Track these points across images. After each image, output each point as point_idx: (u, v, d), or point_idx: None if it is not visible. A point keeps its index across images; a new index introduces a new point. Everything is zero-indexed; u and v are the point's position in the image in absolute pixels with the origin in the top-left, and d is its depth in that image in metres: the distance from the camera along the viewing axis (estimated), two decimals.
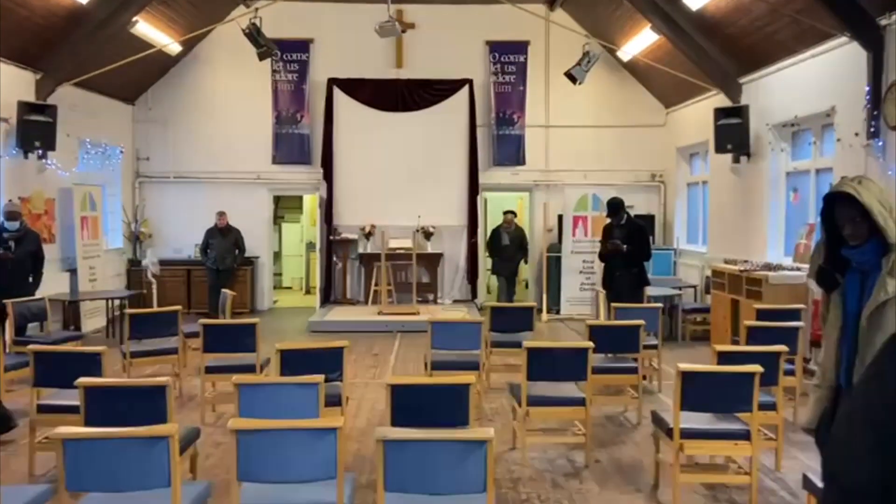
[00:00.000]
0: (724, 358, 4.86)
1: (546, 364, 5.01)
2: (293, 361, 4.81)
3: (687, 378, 4.28)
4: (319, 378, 3.89)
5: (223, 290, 8.22)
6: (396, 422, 3.89)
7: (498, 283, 12.29)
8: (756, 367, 4.28)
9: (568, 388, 5.20)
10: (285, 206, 16.35)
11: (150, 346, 6.83)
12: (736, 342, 7.23)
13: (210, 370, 5.99)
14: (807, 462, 5.15)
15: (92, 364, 4.53)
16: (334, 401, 4.95)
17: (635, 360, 6.25)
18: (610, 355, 6.29)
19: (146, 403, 3.82)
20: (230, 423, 3.07)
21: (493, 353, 7.19)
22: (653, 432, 4.77)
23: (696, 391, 4.28)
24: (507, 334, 7.22)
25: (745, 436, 4.35)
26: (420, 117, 12.65)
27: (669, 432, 4.38)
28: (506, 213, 12.19)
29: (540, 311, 11.75)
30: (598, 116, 12.84)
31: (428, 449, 2.91)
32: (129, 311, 6.84)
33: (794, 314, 6.99)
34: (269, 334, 10.47)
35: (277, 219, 16.41)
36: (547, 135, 12.90)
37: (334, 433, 3.08)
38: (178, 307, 6.83)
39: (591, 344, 4.99)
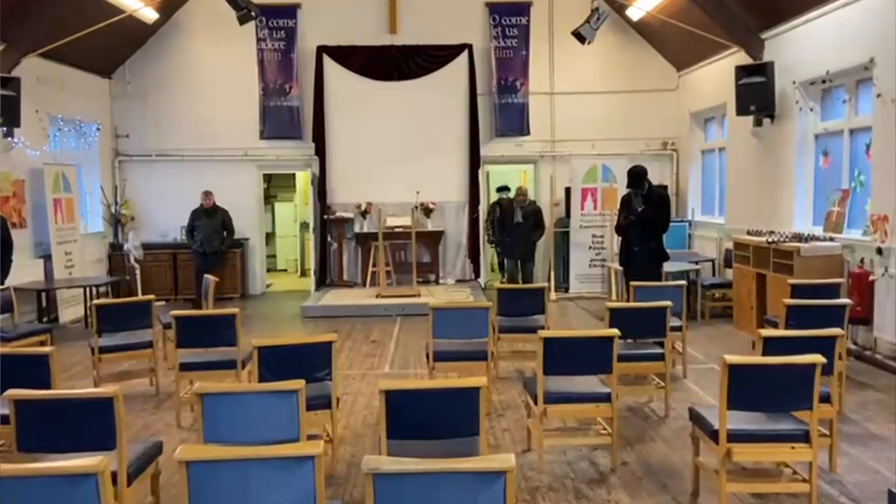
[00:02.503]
0: (771, 345, 4.19)
1: (565, 355, 4.34)
2: (273, 360, 4.15)
3: (735, 372, 3.61)
4: (298, 384, 3.23)
5: (206, 275, 7.55)
6: (392, 434, 3.24)
7: (507, 268, 10.45)
8: (817, 358, 3.61)
9: (590, 382, 4.54)
10: (277, 185, 15.63)
11: (124, 340, 6.18)
12: (769, 322, 6.55)
13: (185, 367, 5.34)
14: (864, 460, 4.51)
15: (36, 368, 3.87)
16: (323, 403, 4.31)
17: (661, 345, 5.59)
18: (631, 341, 5.62)
19: (90, 421, 3.16)
20: (177, 453, 2.41)
21: (500, 340, 6.54)
22: (691, 432, 4.12)
23: (745, 387, 3.62)
24: (517, 318, 6.58)
25: (804, 437, 3.70)
26: (416, 86, 11.89)
27: (713, 435, 3.73)
28: (519, 187, 10.69)
29: (548, 289, 11.08)
30: (605, 82, 12.07)
31: (430, 483, 2.25)
32: (97, 301, 6.17)
33: (832, 290, 6.33)
34: (261, 321, 9.88)
35: (270, 198, 15.72)
36: (552, 102, 12.14)
37: (311, 462, 2.42)
38: (152, 296, 6.17)
39: (616, 332, 4.32)
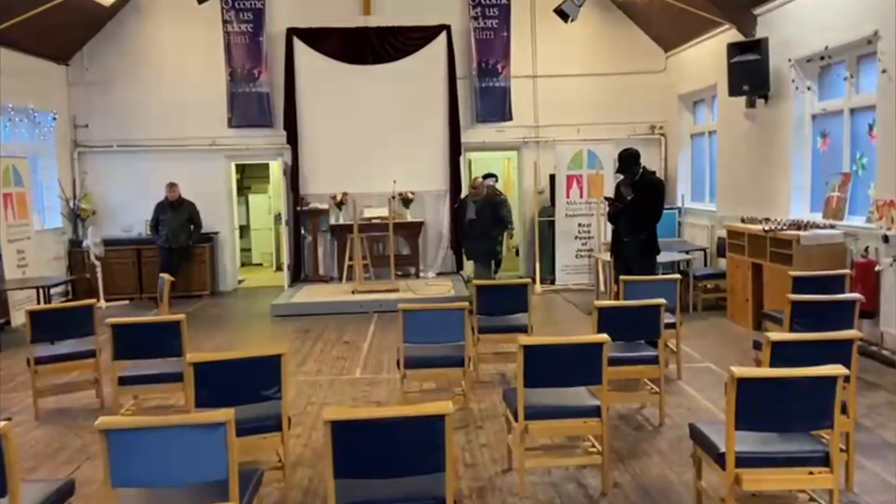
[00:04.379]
0: (781, 350, 3.70)
1: (549, 365, 3.82)
2: (212, 379, 3.60)
3: (745, 388, 3.11)
4: (226, 415, 2.68)
5: (161, 274, 6.96)
6: (341, 472, 2.71)
7: (474, 269, 9.27)
8: (839, 369, 3.11)
9: (577, 394, 4.02)
10: (251, 176, 15.00)
11: (66, 349, 5.62)
12: (769, 317, 6.08)
13: (126, 381, 4.79)
14: (883, 475, 4.03)
15: None
16: (272, 425, 3.76)
17: (654, 345, 5.09)
18: (622, 342, 5.11)
19: None
20: None
21: (480, 341, 6.03)
22: (692, 452, 3.61)
23: (757, 404, 3.12)
24: (498, 318, 6.06)
25: (823, 460, 3.20)
26: (393, 70, 11.30)
27: (719, 458, 3.23)
28: (477, 178, 9.52)
29: (533, 281, 10.58)
30: (590, 64, 11.53)
31: None
32: (29, 307, 5.58)
33: (837, 282, 5.85)
34: (228, 322, 9.31)
35: (244, 189, 15.11)
36: (535, 86, 11.58)
37: None
38: (93, 301, 5.60)
39: (606, 338, 3.80)
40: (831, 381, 3.10)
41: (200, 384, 3.60)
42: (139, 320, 4.82)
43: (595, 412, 3.88)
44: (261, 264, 14.83)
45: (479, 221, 8.81)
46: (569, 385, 3.96)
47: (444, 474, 2.75)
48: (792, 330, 4.87)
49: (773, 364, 3.72)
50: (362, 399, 5.71)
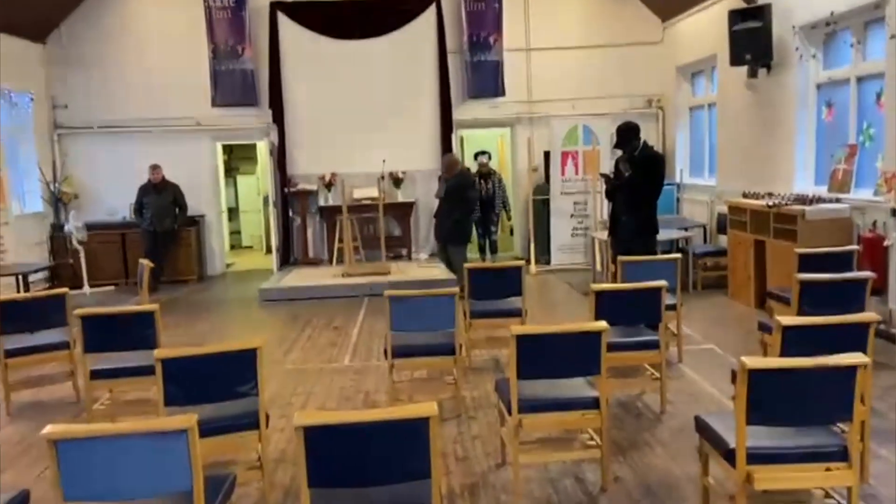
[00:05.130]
0: (793, 336, 3.45)
1: (543, 355, 3.56)
2: (182, 376, 3.34)
3: (757, 380, 2.85)
4: (188, 422, 2.42)
5: (140, 260, 6.67)
6: (315, 481, 2.45)
7: (448, 252, 8.53)
8: (860, 358, 2.86)
9: (574, 385, 3.77)
10: (239, 157, 14.67)
11: (39, 340, 5.35)
12: (774, 297, 5.82)
13: (98, 375, 4.52)
14: None
15: None
16: (249, 423, 3.51)
17: (655, 329, 4.84)
18: (621, 327, 4.86)
19: None
20: None
21: (473, 326, 5.77)
22: (698, 446, 3.37)
23: (769, 397, 2.87)
24: (491, 302, 5.81)
25: (841, 455, 2.96)
26: (381, 45, 10.94)
27: (729, 455, 2.98)
28: (449, 155, 8.97)
29: (528, 262, 10.33)
30: (585, 36, 11.17)
31: None
32: None
33: (845, 259, 5.60)
34: (216, 307, 9.03)
35: (232, 170, 14.80)
36: (528, 59, 11.23)
37: None
38: (65, 289, 5.28)
39: (604, 325, 3.54)
40: (851, 370, 2.85)
41: (170, 381, 3.33)
42: (110, 311, 4.55)
43: (594, 404, 3.63)
44: (251, 247, 14.56)
45: (447, 201, 8.29)
46: (565, 376, 3.71)
47: (429, 481, 2.50)
48: (800, 311, 4.62)
49: (784, 350, 3.48)
50: (350, 389, 5.46)
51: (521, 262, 5.83)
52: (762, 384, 2.86)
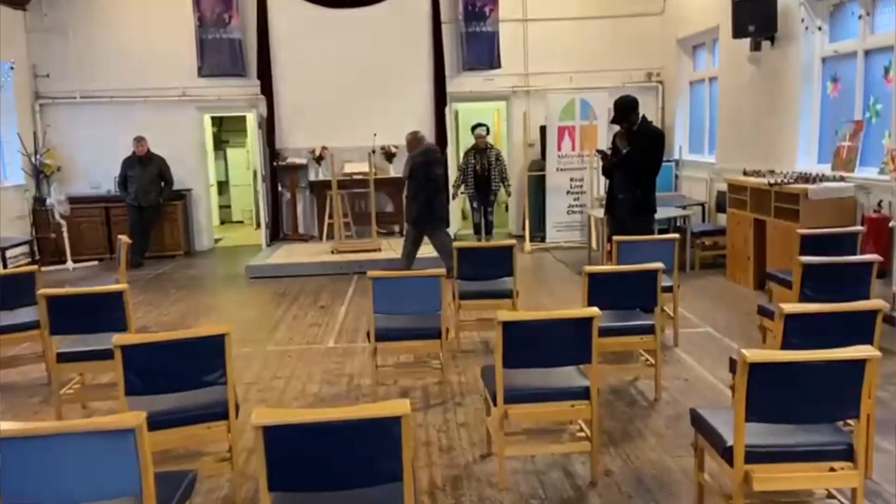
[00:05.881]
0: (796, 324, 3.24)
1: (531, 343, 3.36)
2: (145, 363, 3.13)
3: (758, 374, 2.64)
4: (136, 419, 2.21)
5: (119, 236, 6.43)
6: (276, 484, 2.25)
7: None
8: (870, 352, 2.65)
9: (564, 374, 3.56)
10: (229, 129, 14.34)
11: (8, 320, 5.13)
12: (774, 278, 5.61)
13: (65, 358, 4.30)
14: None
15: None
16: (216, 413, 3.31)
17: (650, 312, 4.64)
18: (615, 311, 4.65)
19: None
20: None
21: (462, 307, 5.57)
22: (693, 441, 3.18)
23: (771, 393, 2.67)
24: (481, 283, 5.59)
25: (846, 454, 2.77)
26: (373, 14, 10.60)
27: (726, 452, 2.79)
28: (415, 132, 8.13)
29: (522, 239, 10.11)
30: (583, 6, 10.83)
31: None
32: None
33: (849, 240, 5.40)
34: (201, 283, 8.79)
35: (222, 143, 14.49)
36: (525, 30, 10.89)
37: None
38: (34, 267, 5.07)
39: (596, 312, 3.33)
40: (859, 364, 2.64)
41: (131, 369, 3.12)
42: (76, 291, 4.32)
43: (584, 394, 3.44)
44: (241, 222, 14.30)
45: (413, 181, 7.66)
46: (554, 365, 3.50)
47: (401, 484, 2.30)
48: (802, 296, 4.42)
49: (786, 339, 3.28)
50: (334, 372, 5.26)
51: (512, 242, 5.59)
52: (763, 379, 2.65)
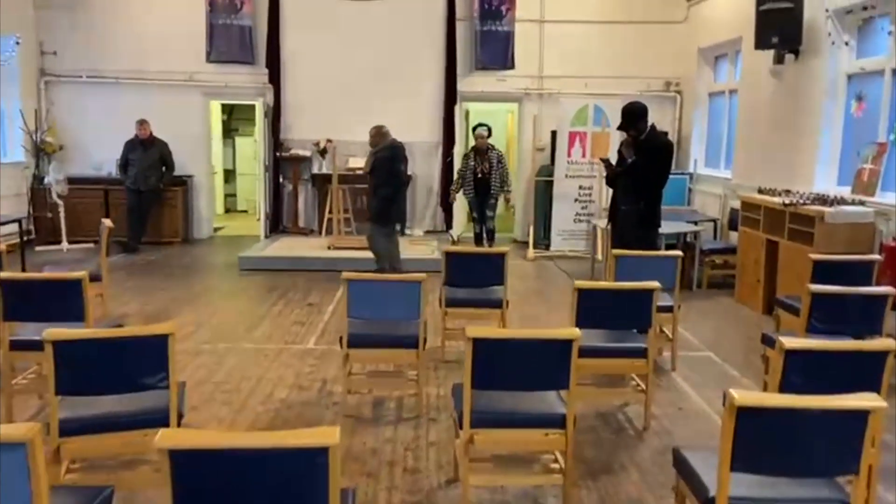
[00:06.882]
0: (797, 362, 2.93)
1: (505, 363, 3.07)
2: (78, 361, 2.87)
3: (747, 419, 2.34)
4: (29, 430, 1.94)
5: (103, 219, 6.21)
6: None
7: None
8: (875, 401, 2.34)
9: (540, 399, 3.27)
10: (239, 118, 14.15)
11: None
12: (783, 305, 5.27)
13: (19, 346, 4.07)
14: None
15: None
16: (156, 420, 3.04)
17: (644, 332, 4.32)
18: (605, 331, 4.35)
19: None
20: None
21: (448, 315, 5.29)
22: (675, 485, 2.87)
23: (761, 442, 2.36)
24: (470, 290, 5.31)
25: None
26: (386, 7, 10.34)
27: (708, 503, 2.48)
28: (380, 126, 7.69)
29: (526, 245, 9.82)
30: (603, 10, 10.51)
31: None
32: None
33: (864, 268, 5.06)
34: (191, 272, 8.55)
35: (231, 132, 14.31)
36: (541, 32, 10.59)
37: None
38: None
39: (577, 333, 3.03)
40: (862, 415, 2.33)
41: (63, 366, 2.87)
42: (32, 276, 4.11)
43: (559, 422, 3.14)
44: (245, 211, 14.10)
45: (374, 176, 7.41)
46: (529, 388, 3.21)
47: None
48: (809, 327, 4.11)
49: (785, 377, 2.98)
50: (307, 376, 5.00)
51: (505, 249, 5.30)
52: (753, 425, 2.35)
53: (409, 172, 10.14)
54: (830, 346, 3.00)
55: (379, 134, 7.51)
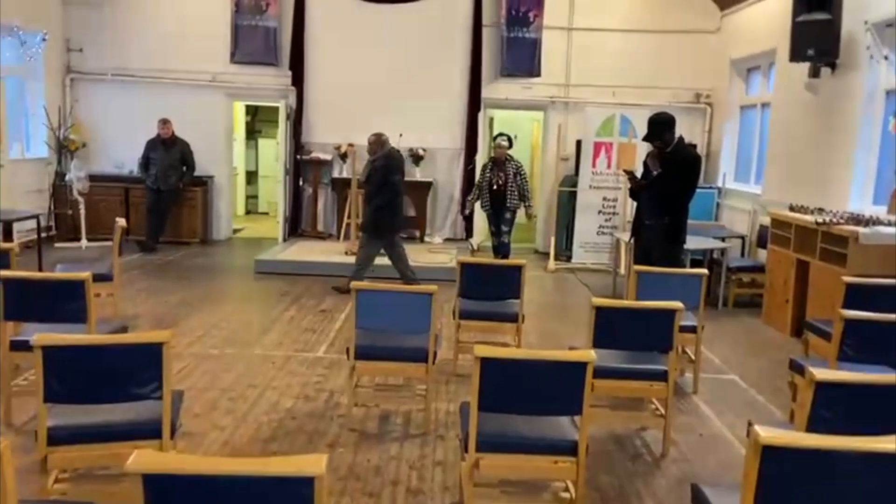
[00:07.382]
0: (827, 394, 2.73)
1: (515, 385, 2.90)
2: (68, 368, 2.76)
3: (773, 459, 2.14)
4: None
5: (117, 219, 6.15)
6: None
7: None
8: None
9: (552, 424, 3.09)
10: (262, 119, 14.13)
11: None
12: (812, 328, 5.02)
13: (17, 347, 3.98)
14: None
15: None
16: (149, 431, 2.92)
17: (665, 352, 4.12)
18: (624, 352, 4.16)
19: None
20: None
21: (462, 328, 5.13)
22: None
23: (786, 482, 2.16)
24: (485, 303, 5.14)
25: None
26: (413, 11, 10.24)
27: None
28: (380, 134, 7.58)
29: (547, 256, 9.62)
30: (633, 18, 10.30)
31: None
32: None
33: None
34: (207, 274, 8.45)
35: (254, 133, 14.31)
36: (569, 40, 10.40)
37: None
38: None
39: (591, 356, 2.85)
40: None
41: (52, 374, 2.76)
42: (35, 276, 4.01)
43: (570, 450, 2.96)
44: (267, 213, 14.05)
45: (369, 185, 7.29)
46: (539, 413, 3.04)
47: None
48: (841, 354, 3.87)
49: (815, 410, 2.77)
50: (314, 386, 4.86)
51: (522, 262, 5.12)
52: (780, 466, 2.15)
53: (422, 179, 10.13)
54: (865, 380, 2.78)
55: (377, 142, 7.39)
